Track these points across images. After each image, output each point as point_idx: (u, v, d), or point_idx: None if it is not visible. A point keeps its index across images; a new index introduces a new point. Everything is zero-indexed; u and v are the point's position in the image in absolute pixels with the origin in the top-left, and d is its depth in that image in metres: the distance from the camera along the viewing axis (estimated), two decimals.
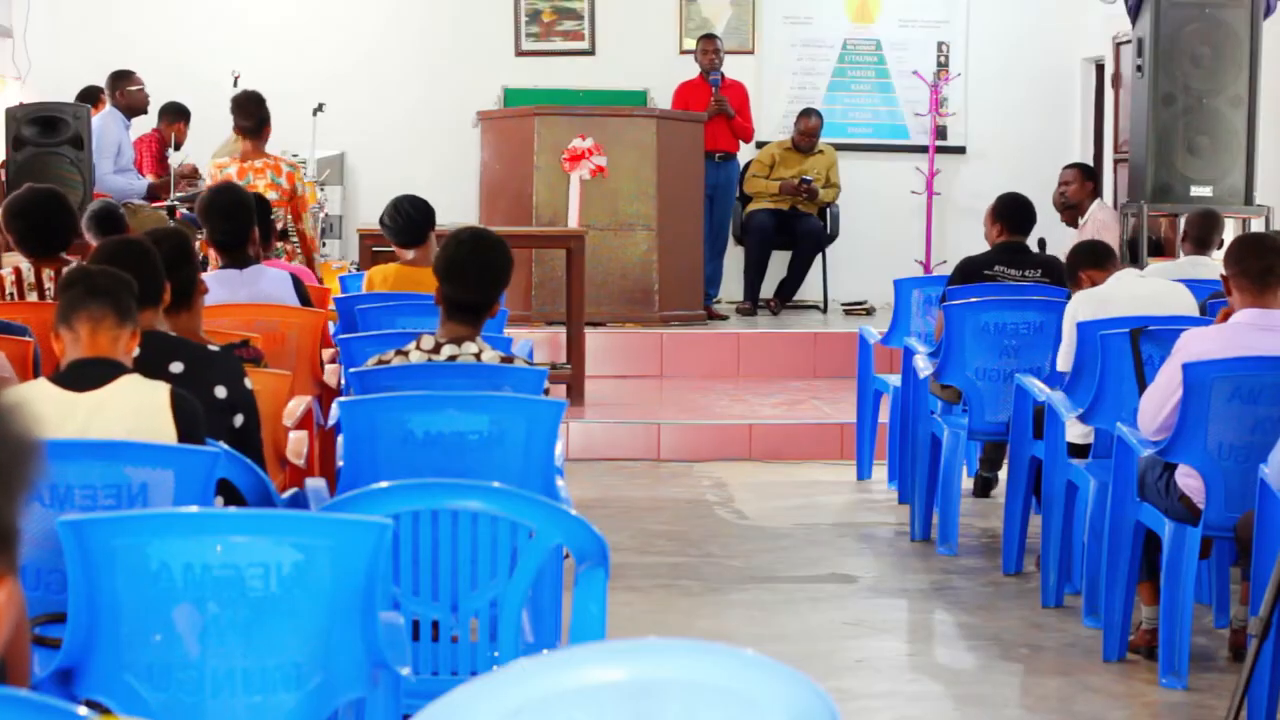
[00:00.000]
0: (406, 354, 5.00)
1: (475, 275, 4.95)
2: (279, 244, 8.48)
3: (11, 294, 6.44)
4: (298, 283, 6.74)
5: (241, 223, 6.55)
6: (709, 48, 12.41)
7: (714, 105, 12.06)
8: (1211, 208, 8.68)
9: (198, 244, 6.57)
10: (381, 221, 7.51)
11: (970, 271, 7.75)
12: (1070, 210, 10.17)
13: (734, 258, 12.75)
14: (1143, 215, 9.98)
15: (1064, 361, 6.35)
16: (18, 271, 6.50)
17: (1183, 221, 9.13)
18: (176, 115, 11.45)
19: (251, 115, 9.42)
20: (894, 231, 13.32)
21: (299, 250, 9.10)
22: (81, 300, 3.80)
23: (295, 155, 12.17)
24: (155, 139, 11.54)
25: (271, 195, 8.75)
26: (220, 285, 6.22)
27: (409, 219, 7.30)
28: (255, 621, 3.12)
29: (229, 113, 9.59)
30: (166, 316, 4.59)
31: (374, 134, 13.21)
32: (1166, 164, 10.19)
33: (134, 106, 11.23)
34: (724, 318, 11.97)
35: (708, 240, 11.93)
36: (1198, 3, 10.16)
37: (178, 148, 11.17)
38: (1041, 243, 8.79)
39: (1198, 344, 5.27)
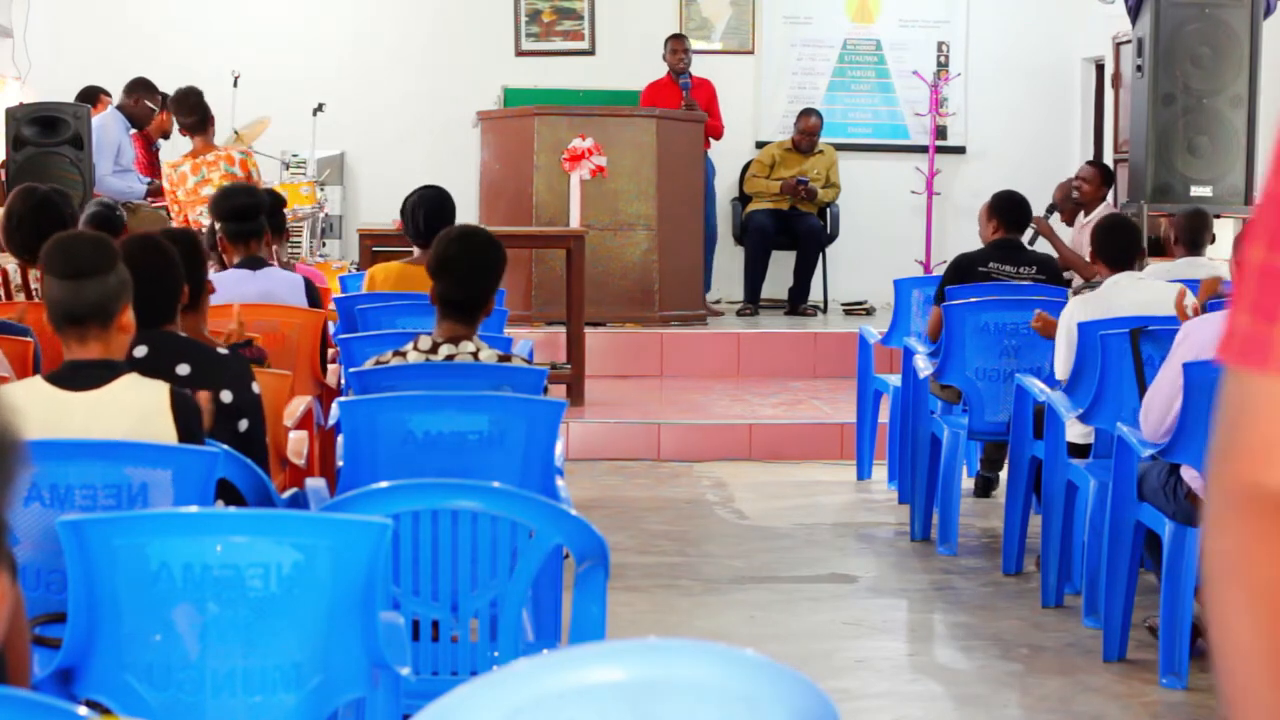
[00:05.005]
0: (404, 354, 5.00)
1: (467, 271, 4.94)
2: None
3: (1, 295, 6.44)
4: (310, 286, 6.75)
5: (257, 223, 6.60)
6: (679, 48, 12.29)
7: (684, 109, 11.98)
8: (1199, 207, 8.67)
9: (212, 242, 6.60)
10: (402, 211, 7.43)
11: (965, 268, 7.74)
12: (1074, 206, 10.15)
13: (731, 257, 12.76)
14: (1143, 215, 9.98)
15: (1062, 369, 6.33)
16: (4, 273, 6.49)
17: (1163, 224, 9.13)
18: (140, 89, 11.06)
19: (193, 111, 9.45)
20: (894, 231, 13.32)
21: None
22: (60, 324, 3.79)
23: (295, 155, 12.19)
24: (139, 142, 11.31)
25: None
26: (232, 284, 6.22)
27: (431, 215, 7.16)
28: (255, 621, 3.12)
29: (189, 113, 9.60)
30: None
31: (374, 134, 13.21)
32: (1166, 164, 10.19)
33: (138, 117, 11.07)
34: (719, 314, 11.95)
35: None
36: (1198, 3, 10.16)
37: (139, 126, 10.98)
38: (1030, 240, 8.81)
39: (1200, 330, 5.25)
